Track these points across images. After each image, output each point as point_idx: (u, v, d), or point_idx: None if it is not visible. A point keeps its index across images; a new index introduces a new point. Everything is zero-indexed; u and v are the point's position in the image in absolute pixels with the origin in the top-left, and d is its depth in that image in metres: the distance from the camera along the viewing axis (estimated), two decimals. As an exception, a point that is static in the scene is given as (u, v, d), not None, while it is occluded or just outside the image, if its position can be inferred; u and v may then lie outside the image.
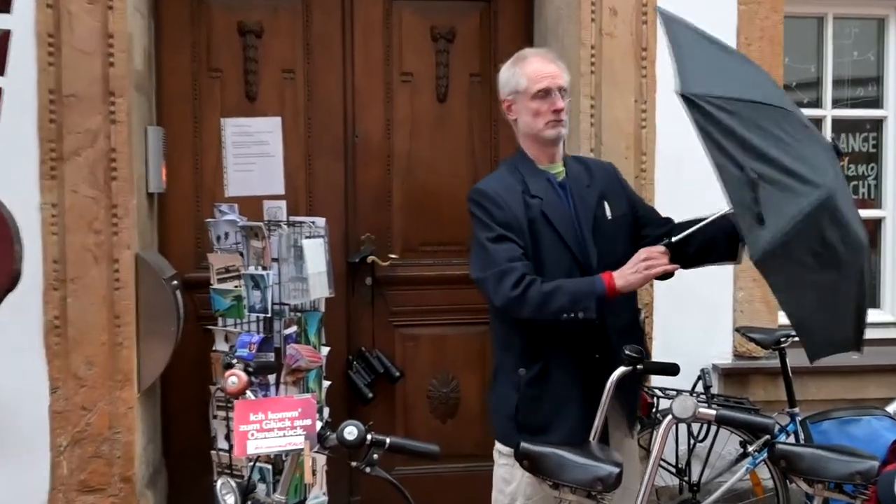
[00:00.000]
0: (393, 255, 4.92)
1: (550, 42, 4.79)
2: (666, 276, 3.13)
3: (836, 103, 5.20)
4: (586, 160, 3.52)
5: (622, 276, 3.04)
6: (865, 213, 5.24)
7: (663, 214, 4.66)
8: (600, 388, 3.12)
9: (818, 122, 5.14)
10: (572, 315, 3.01)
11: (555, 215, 3.16)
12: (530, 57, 3.27)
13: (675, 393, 4.06)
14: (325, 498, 4.15)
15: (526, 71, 3.22)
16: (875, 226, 5.33)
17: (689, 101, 2.91)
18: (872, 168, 5.32)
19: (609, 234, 3.21)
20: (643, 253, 3.08)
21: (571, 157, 3.41)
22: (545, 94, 3.17)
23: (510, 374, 3.20)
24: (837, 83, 5.22)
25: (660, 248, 3.03)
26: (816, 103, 5.18)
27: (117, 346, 4.16)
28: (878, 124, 5.31)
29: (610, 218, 3.24)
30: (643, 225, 3.35)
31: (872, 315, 5.12)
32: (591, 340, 3.14)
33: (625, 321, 3.25)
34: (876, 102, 5.30)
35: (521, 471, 3.06)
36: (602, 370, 3.14)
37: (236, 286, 4.23)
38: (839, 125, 5.22)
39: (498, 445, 3.29)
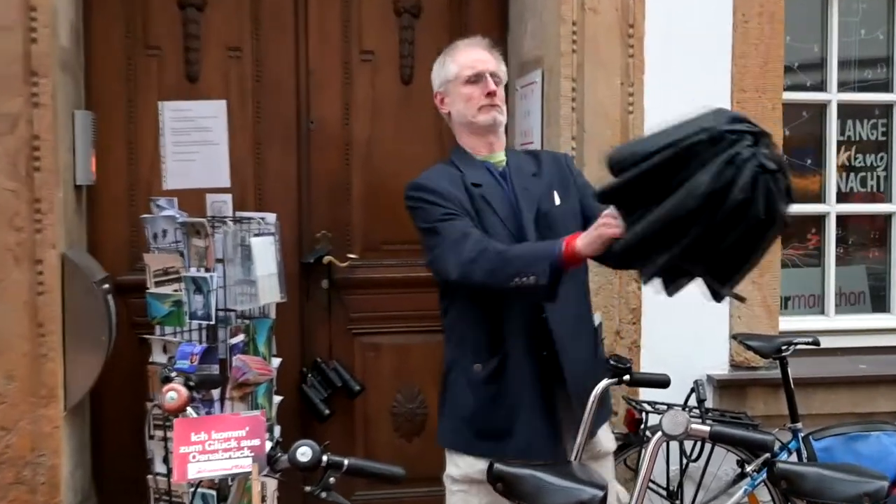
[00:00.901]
0: (352, 255, 4.92)
1: (527, 17, 4.80)
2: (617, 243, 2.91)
3: (842, 87, 5.24)
4: (537, 152, 3.62)
5: (581, 239, 2.94)
6: (874, 207, 5.31)
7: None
8: (552, 389, 3.16)
9: (822, 106, 5.19)
10: (524, 280, 2.96)
11: (495, 200, 3.22)
12: (461, 46, 3.39)
13: (665, 407, 4.08)
14: (277, 527, 4.14)
15: (456, 58, 3.33)
16: (885, 221, 5.38)
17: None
18: (882, 158, 5.37)
19: (556, 226, 3.21)
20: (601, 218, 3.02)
21: (516, 150, 3.53)
22: (476, 77, 3.27)
23: (464, 371, 3.23)
24: (843, 64, 5.26)
25: (613, 211, 2.90)
26: (820, 86, 5.22)
27: (41, 358, 4.12)
28: (887, 110, 5.36)
29: (558, 208, 3.28)
30: (588, 217, 3.32)
31: (882, 321, 5.22)
32: (539, 334, 3.16)
33: (571, 314, 3.24)
34: (886, 86, 5.34)
35: (479, 498, 3.12)
36: (552, 369, 3.17)
37: (176, 290, 4.21)
38: (845, 110, 5.27)
39: (449, 469, 3.29)
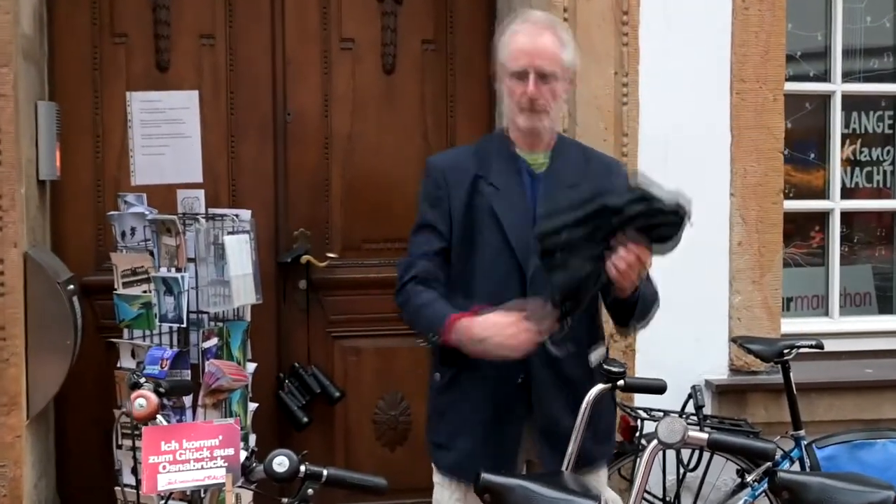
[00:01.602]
0: (331, 255, 4.91)
1: (516, 3, 4.81)
2: None
3: (847, 77, 5.27)
4: (592, 153, 3.45)
5: (468, 330, 3.00)
6: (880, 203, 5.33)
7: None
8: (515, 418, 3.16)
9: (825, 98, 5.21)
10: (426, 344, 3.15)
11: (505, 210, 3.16)
12: (523, 24, 3.21)
13: (661, 414, 4.08)
14: (252, 541, 4.14)
15: (510, 41, 3.16)
16: (892, 218, 5.41)
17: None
18: (888, 152, 5.40)
19: None
20: (509, 328, 2.97)
21: (573, 146, 3.42)
22: (520, 75, 3.11)
23: (432, 377, 3.31)
24: (848, 53, 5.29)
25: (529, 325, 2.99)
26: (824, 76, 5.25)
27: (2, 364, 4.11)
28: (894, 101, 5.39)
29: None
30: None
31: (889, 323, 5.25)
32: (516, 361, 3.10)
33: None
34: (892, 76, 5.38)
35: (451, 492, 3.21)
36: (523, 399, 3.16)
37: (145, 291, 4.20)
38: (850, 102, 5.30)
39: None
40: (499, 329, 2.97)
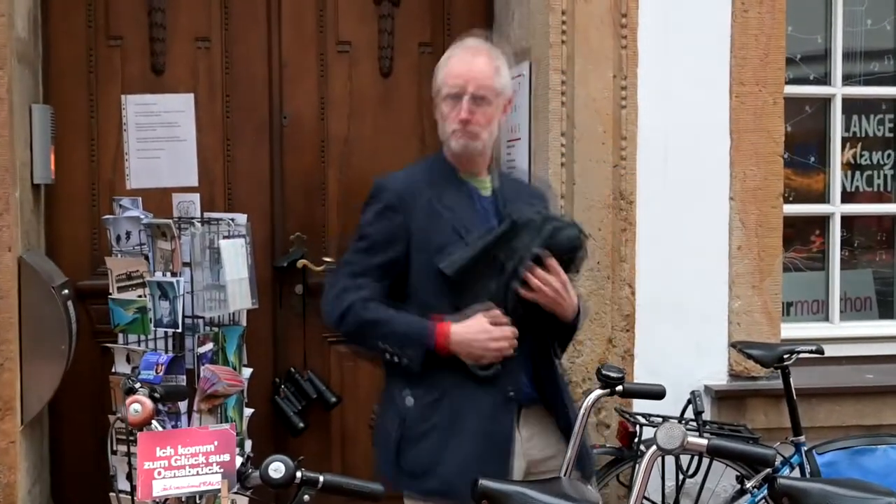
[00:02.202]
0: (328, 259, 4.91)
1: (514, 6, 4.82)
2: None
3: (847, 80, 5.26)
4: (522, 179, 3.64)
5: (462, 340, 3.08)
6: (881, 207, 5.34)
7: (646, 210, 4.71)
8: (503, 430, 3.14)
9: (826, 101, 5.22)
10: (395, 360, 3.12)
11: (466, 229, 3.17)
12: (459, 50, 3.26)
13: (660, 420, 4.08)
14: (248, 548, 4.13)
15: (446, 66, 3.22)
16: (892, 223, 5.42)
17: None
18: (889, 156, 5.40)
19: None
20: (490, 328, 3.08)
21: (506, 174, 3.48)
22: (454, 98, 3.16)
23: (395, 401, 3.20)
24: (848, 56, 5.28)
25: (508, 326, 3.10)
26: (824, 79, 5.25)
27: (-4, 369, 4.12)
28: (894, 104, 5.40)
29: None
30: None
31: (889, 328, 5.25)
32: (505, 373, 3.14)
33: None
34: (893, 79, 5.38)
35: None
36: (509, 412, 3.16)
37: (140, 296, 4.20)
38: (850, 105, 5.30)
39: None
40: (487, 331, 3.06)
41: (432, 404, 3.13)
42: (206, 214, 4.36)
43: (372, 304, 3.13)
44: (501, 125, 3.31)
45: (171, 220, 4.20)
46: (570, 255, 3.12)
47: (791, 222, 5.07)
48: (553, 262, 3.06)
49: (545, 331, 3.22)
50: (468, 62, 3.18)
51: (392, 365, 3.20)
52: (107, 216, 4.45)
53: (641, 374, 4.53)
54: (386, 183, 3.26)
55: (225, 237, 4.21)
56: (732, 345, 4.77)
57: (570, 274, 3.13)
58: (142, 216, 4.30)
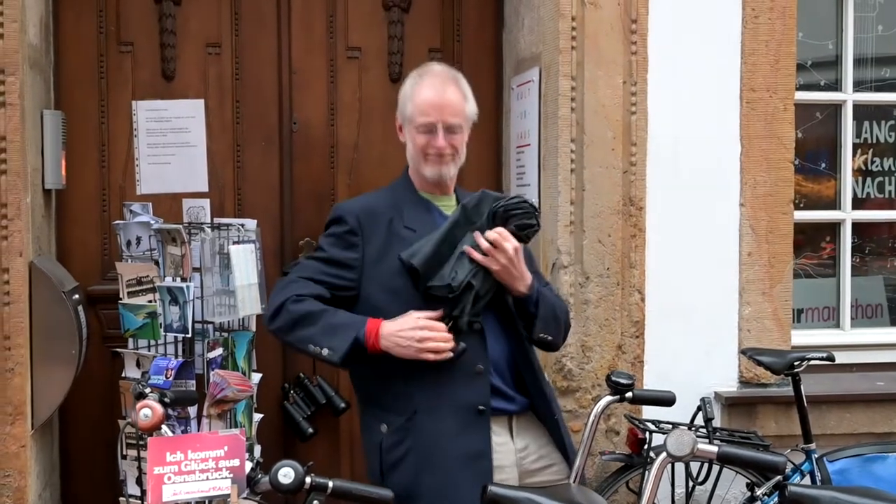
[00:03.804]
0: (338, 264, 4.91)
1: (524, 12, 4.82)
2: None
3: (858, 86, 5.26)
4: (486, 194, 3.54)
5: (391, 336, 3.08)
6: (891, 214, 5.33)
7: (656, 216, 4.70)
8: (477, 446, 3.12)
9: (836, 107, 5.21)
10: (319, 350, 3.10)
11: None
12: (426, 79, 3.31)
13: (670, 427, 4.08)
14: (257, 553, 4.13)
15: (415, 96, 3.27)
16: (902, 230, 5.42)
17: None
18: (900, 162, 5.41)
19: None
20: (423, 323, 3.08)
21: (464, 191, 3.47)
22: (428, 128, 3.23)
23: (372, 432, 3.22)
24: (859, 63, 5.28)
25: (443, 326, 3.10)
26: (835, 85, 5.24)
27: (7, 373, 4.12)
28: (905, 111, 5.39)
29: None
30: None
31: (897, 335, 5.22)
32: (474, 389, 3.15)
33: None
34: (903, 85, 5.37)
35: None
36: (482, 428, 3.15)
37: (150, 301, 4.21)
38: (861, 111, 5.29)
39: None
40: (417, 327, 3.06)
41: (404, 427, 3.13)
42: (216, 220, 4.38)
43: (307, 300, 3.14)
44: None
45: (181, 226, 4.21)
46: (518, 219, 3.15)
47: (801, 229, 5.07)
48: (499, 229, 3.12)
49: (521, 334, 3.25)
50: (440, 91, 3.25)
51: (361, 390, 3.28)
52: (117, 221, 4.46)
53: (651, 381, 4.53)
54: (346, 206, 3.34)
55: (235, 242, 4.22)
56: (743, 351, 4.76)
57: (521, 242, 3.17)
58: (152, 221, 4.31)
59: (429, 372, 3.08)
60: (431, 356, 3.04)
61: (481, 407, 3.13)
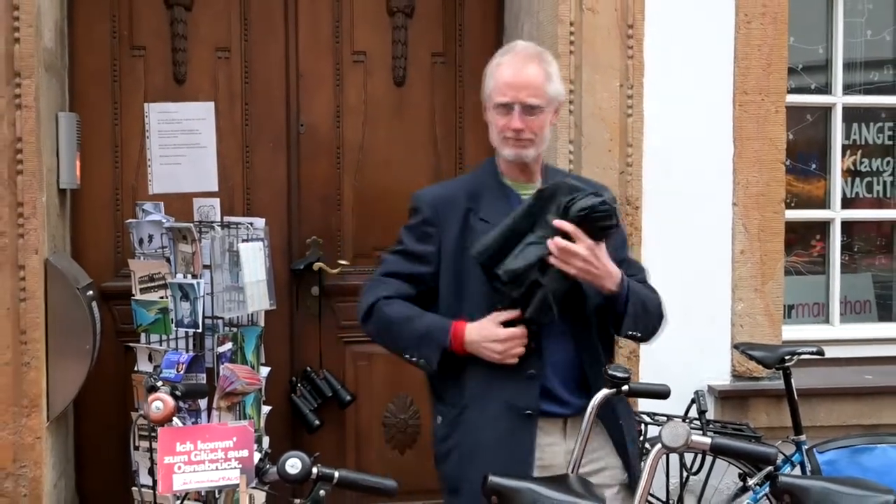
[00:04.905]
0: (343, 262, 4.92)
1: (523, 18, 4.81)
2: None
3: (848, 89, 5.26)
4: (580, 181, 3.29)
5: (474, 345, 3.01)
6: (880, 213, 5.33)
7: (652, 215, 4.70)
8: (521, 447, 3.06)
9: (827, 110, 5.21)
10: (413, 359, 3.06)
11: None
12: (509, 56, 3.13)
13: (664, 419, 4.08)
14: (265, 541, 4.14)
15: (496, 73, 3.10)
16: (891, 228, 5.41)
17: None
18: (888, 163, 5.39)
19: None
20: (504, 334, 2.99)
21: (559, 175, 3.28)
22: (505, 108, 3.05)
23: (433, 420, 3.22)
24: (849, 66, 5.28)
25: (523, 332, 2.99)
26: (825, 89, 5.24)
27: (23, 367, 4.12)
28: (894, 113, 5.38)
29: None
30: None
31: (888, 330, 5.24)
32: (524, 392, 3.06)
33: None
34: (892, 88, 5.37)
35: None
36: (528, 428, 3.07)
37: (162, 297, 4.21)
38: (850, 114, 5.29)
39: None
40: (492, 332, 2.99)
41: (455, 420, 3.10)
42: (226, 219, 4.37)
43: (396, 302, 3.08)
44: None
45: (191, 224, 4.21)
46: (593, 223, 2.90)
47: (792, 227, 5.07)
48: (569, 226, 2.89)
49: (592, 331, 3.11)
50: (519, 70, 3.06)
51: (429, 377, 3.18)
52: (130, 220, 4.46)
53: (647, 375, 4.52)
54: (424, 195, 3.21)
55: (244, 241, 4.22)
56: (735, 346, 4.76)
57: (599, 242, 2.93)
58: (164, 220, 4.31)
59: (481, 368, 3.03)
60: (515, 361, 3.00)
61: (528, 411, 3.05)
